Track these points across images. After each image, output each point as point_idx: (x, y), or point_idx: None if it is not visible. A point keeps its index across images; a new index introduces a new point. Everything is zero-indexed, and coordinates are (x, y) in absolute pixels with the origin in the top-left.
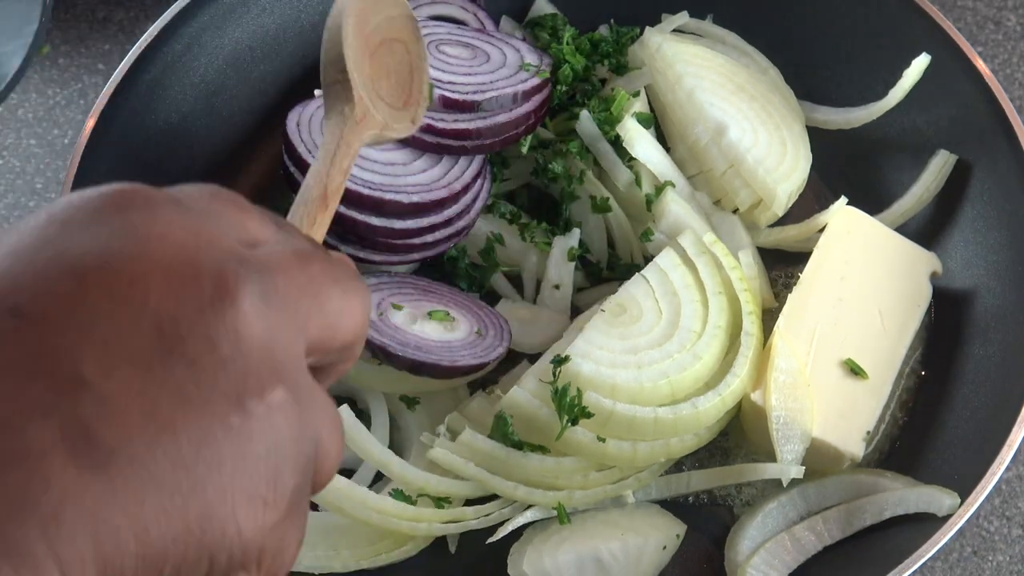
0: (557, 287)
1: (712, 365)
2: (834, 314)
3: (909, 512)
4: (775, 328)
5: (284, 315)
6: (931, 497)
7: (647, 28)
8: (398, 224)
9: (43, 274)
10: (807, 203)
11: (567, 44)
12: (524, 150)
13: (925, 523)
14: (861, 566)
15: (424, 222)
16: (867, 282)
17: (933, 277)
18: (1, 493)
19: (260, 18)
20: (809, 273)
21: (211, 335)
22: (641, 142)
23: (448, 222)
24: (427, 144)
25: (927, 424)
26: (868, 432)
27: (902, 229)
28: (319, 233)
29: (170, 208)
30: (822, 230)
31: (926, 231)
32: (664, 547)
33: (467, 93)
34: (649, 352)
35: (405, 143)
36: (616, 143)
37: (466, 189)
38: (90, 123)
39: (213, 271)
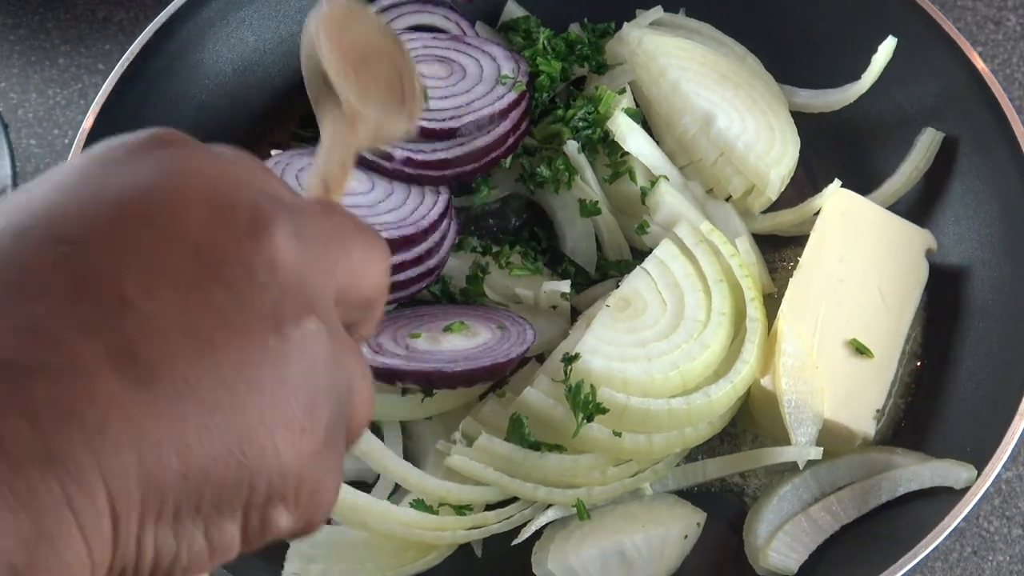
0: (554, 307)
1: (720, 352)
2: (836, 295)
3: (924, 487)
4: (779, 313)
5: (315, 254)
6: (946, 471)
7: (625, 24)
8: None
9: (86, 205)
10: (798, 187)
11: (541, 46)
12: (507, 164)
13: (942, 498)
14: (884, 543)
15: (395, 259)
16: (866, 262)
17: (928, 254)
18: (48, 405)
19: (239, 31)
20: (808, 256)
21: (248, 261)
22: (633, 135)
23: (418, 260)
24: (408, 176)
25: (933, 400)
26: (877, 410)
27: (894, 208)
28: None
29: (204, 150)
30: (817, 214)
31: (917, 209)
32: (686, 536)
33: (444, 120)
34: (657, 344)
35: (385, 176)
36: (605, 140)
37: (434, 227)
38: (83, 132)
39: (248, 204)
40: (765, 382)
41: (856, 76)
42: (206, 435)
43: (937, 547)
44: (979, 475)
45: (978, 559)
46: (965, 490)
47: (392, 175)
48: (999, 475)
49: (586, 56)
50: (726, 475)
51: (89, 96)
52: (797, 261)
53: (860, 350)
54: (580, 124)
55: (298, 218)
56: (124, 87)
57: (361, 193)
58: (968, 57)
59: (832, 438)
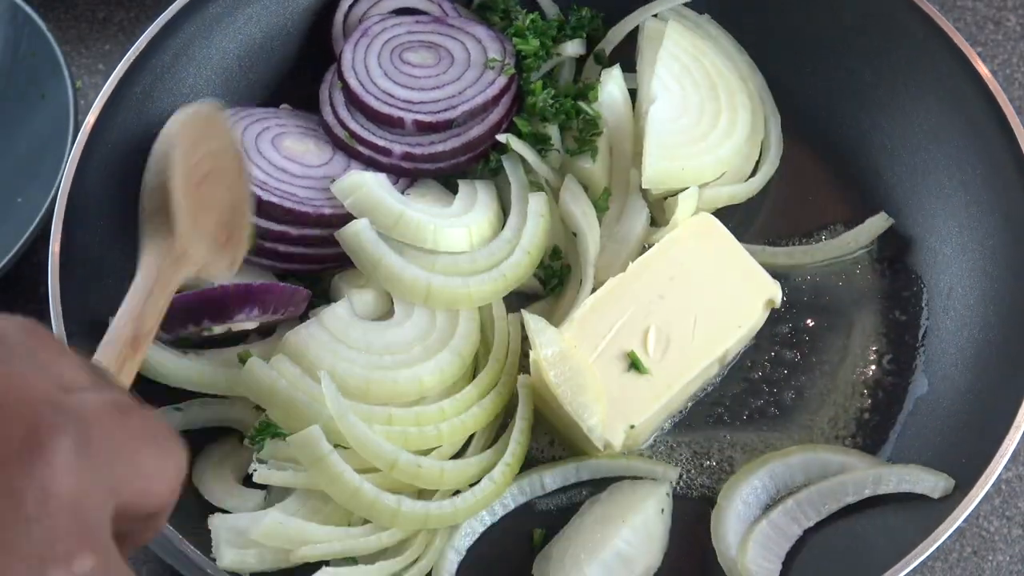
0: None
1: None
2: (648, 308)
3: (891, 491)
4: (574, 308)
5: (97, 473)
6: (915, 477)
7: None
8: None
9: None
10: (799, 208)
11: (521, 23)
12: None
13: (928, 507)
14: (867, 549)
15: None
16: (696, 289)
17: (769, 306)
18: None
19: (246, 27)
20: (640, 263)
21: (16, 490)
22: (613, 87)
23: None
24: (405, 171)
25: (924, 415)
26: (632, 426)
27: (900, 225)
28: (128, 377)
29: None
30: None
31: (922, 228)
32: (662, 509)
33: (439, 112)
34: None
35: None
36: (579, 114)
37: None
38: (91, 120)
39: (25, 418)
40: (548, 379)
41: (867, 89)
42: None
43: (937, 547)
44: (974, 485)
45: (978, 559)
46: (949, 502)
47: (390, 170)
48: (999, 476)
49: (570, 35)
50: (564, 484)
51: (89, 96)
52: None
53: (636, 366)
54: (550, 112)
55: (83, 428)
56: (130, 79)
57: (317, 165)
58: (982, 77)
59: (578, 437)
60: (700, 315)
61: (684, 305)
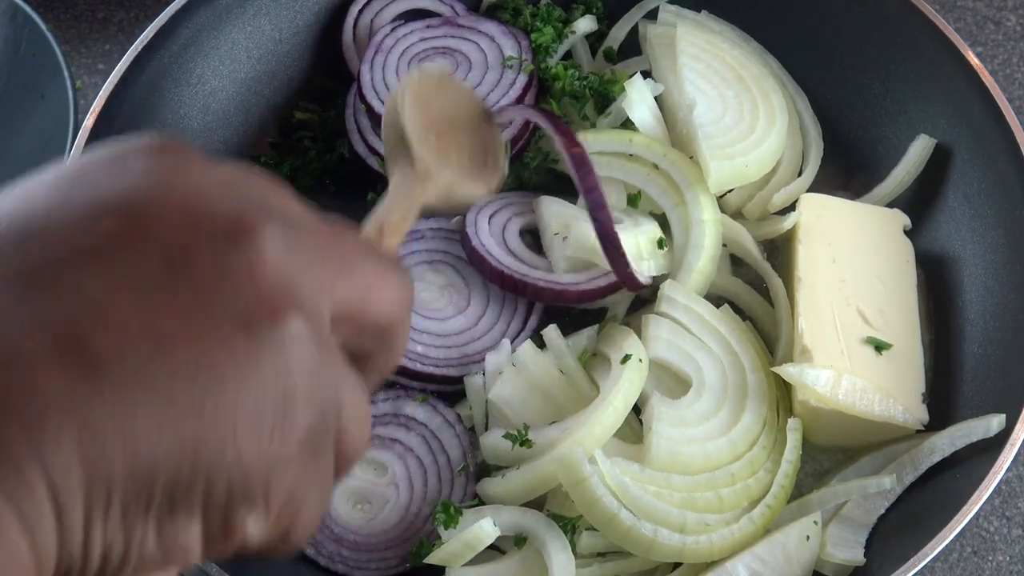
0: None
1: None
2: (842, 297)
3: (947, 455)
4: (800, 337)
5: (306, 263)
6: (968, 430)
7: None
8: None
9: (63, 204)
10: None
11: (524, 20)
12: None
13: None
14: (926, 516)
15: None
16: (856, 256)
17: (907, 231)
18: None
19: (256, 19)
20: (804, 268)
21: (221, 263)
22: (641, 107)
23: None
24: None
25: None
26: (923, 393)
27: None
28: None
29: (198, 160)
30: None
31: (923, 231)
32: (808, 536)
33: None
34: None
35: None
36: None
37: None
38: (89, 122)
39: (230, 212)
40: (815, 403)
41: (870, 97)
42: (156, 430)
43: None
44: (973, 493)
45: (978, 559)
46: (1003, 440)
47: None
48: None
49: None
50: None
51: (89, 96)
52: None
53: (879, 347)
54: (580, 91)
55: (292, 230)
56: (137, 67)
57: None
58: (983, 80)
59: (884, 431)
60: (879, 272)
61: (861, 273)
